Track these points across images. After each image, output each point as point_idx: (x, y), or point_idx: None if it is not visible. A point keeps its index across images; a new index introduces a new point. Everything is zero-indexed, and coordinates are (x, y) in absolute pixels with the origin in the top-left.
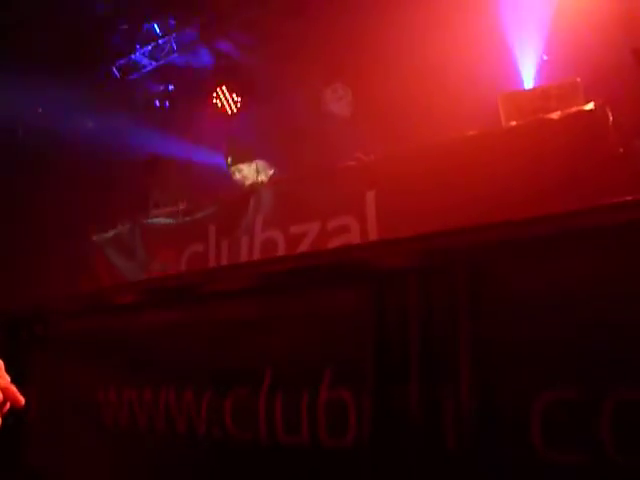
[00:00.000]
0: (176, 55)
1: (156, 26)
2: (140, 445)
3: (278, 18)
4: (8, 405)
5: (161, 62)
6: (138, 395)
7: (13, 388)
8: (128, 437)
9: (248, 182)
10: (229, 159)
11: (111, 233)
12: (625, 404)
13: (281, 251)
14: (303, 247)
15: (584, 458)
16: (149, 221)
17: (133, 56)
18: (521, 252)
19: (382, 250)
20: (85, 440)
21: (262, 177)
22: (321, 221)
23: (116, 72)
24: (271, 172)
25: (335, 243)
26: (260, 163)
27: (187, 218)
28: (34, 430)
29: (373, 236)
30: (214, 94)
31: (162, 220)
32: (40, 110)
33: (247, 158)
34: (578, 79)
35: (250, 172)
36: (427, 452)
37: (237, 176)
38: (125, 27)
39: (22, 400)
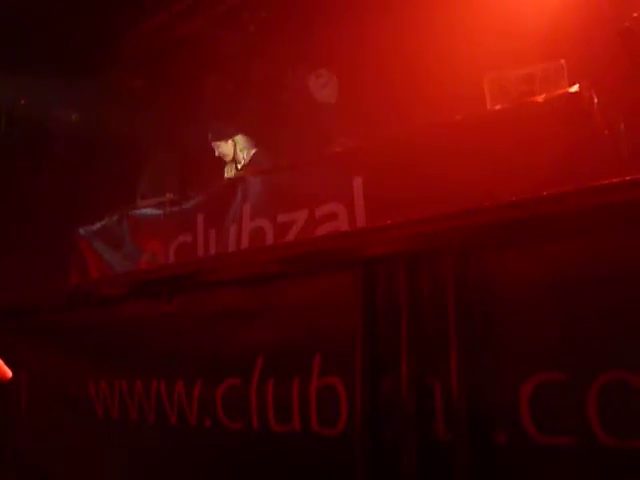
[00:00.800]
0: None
1: None
2: (132, 436)
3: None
4: None
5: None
6: (129, 386)
7: None
8: (119, 428)
9: (228, 159)
10: (209, 135)
11: (98, 225)
12: (611, 386)
13: (269, 240)
14: (291, 235)
15: (573, 440)
16: (136, 212)
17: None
18: (509, 236)
19: (370, 237)
20: (76, 431)
21: (243, 155)
22: (309, 209)
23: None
24: (253, 151)
25: (323, 230)
26: (240, 139)
27: (174, 208)
28: (24, 421)
29: (361, 222)
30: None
31: (150, 211)
32: (23, 102)
33: (226, 135)
34: (563, 61)
35: (228, 149)
36: (418, 439)
37: (217, 152)
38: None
39: (8, 373)
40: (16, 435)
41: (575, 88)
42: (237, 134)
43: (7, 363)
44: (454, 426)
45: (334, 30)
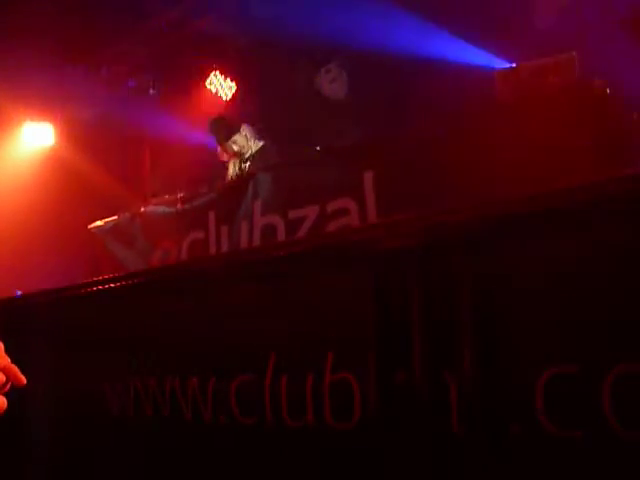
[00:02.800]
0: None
1: None
2: (147, 433)
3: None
4: (9, 385)
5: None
6: (143, 383)
7: (14, 368)
8: (134, 425)
9: (245, 150)
10: (217, 139)
11: (111, 223)
12: (626, 378)
13: (281, 236)
14: (303, 231)
15: (588, 431)
16: (149, 210)
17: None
18: (521, 229)
19: (381, 231)
20: (91, 429)
21: (252, 144)
22: (320, 204)
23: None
24: (261, 143)
25: (334, 226)
26: (246, 129)
27: (186, 206)
28: (39, 420)
29: (372, 217)
30: (208, 80)
31: (162, 209)
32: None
33: (234, 130)
34: (574, 53)
35: (243, 140)
36: (432, 432)
37: (234, 149)
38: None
39: (24, 379)
40: (31, 434)
41: (587, 79)
42: (242, 124)
43: (20, 362)
44: (468, 419)
45: (344, 24)
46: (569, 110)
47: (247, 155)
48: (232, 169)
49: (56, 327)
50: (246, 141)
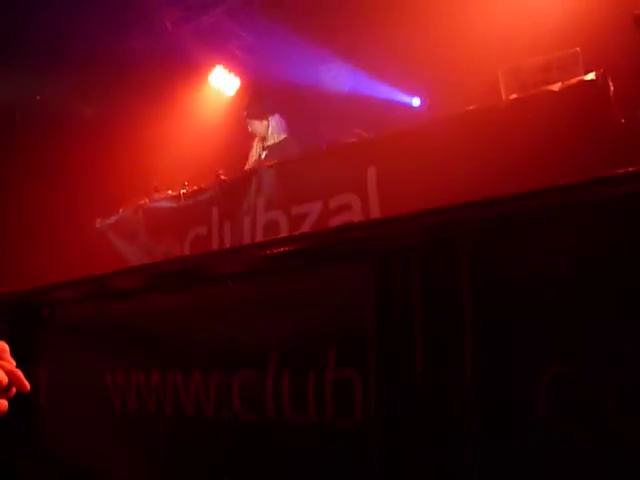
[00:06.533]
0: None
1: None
2: (149, 428)
3: None
4: (14, 389)
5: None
6: (146, 378)
7: (19, 372)
8: (136, 420)
9: (259, 137)
10: (244, 112)
11: (114, 218)
12: (628, 378)
13: (284, 232)
14: (306, 227)
15: (589, 431)
16: (152, 205)
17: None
18: (523, 227)
19: (384, 228)
20: (94, 424)
21: (273, 137)
22: (323, 200)
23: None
24: (283, 136)
25: (337, 221)
26: (274, 121)
27: (189, 201)
28: (43, 414)
29: (375, 213)
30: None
31: (164, 204)
32: (38, 97)
33: (262, 115)
34: (578, 49)
35: (262, 128)
36: (434, 430)
37: (250, 128)
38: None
39: (27, 385)
40: (34, 427)
41: (591, 76)
42: (273, 114)
43: (25, 356)
44: (469, 419)
45: (346, 21)
46: (572, 107)
47: (269, 143)
48: (255, 150)
49: (60, 322)
50: (266, 131)
